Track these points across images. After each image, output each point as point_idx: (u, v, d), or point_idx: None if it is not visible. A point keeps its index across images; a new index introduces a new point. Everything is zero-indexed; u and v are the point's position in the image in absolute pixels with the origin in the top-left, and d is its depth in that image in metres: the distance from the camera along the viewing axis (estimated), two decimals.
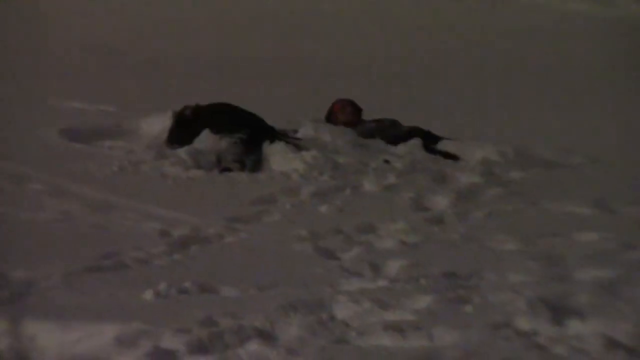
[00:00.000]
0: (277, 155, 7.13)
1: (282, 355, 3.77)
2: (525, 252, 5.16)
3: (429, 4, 17.35)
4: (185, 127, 7.48)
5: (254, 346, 3.84)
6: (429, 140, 7.89)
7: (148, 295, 4.39)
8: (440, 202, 6.28)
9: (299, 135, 7.86)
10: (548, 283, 4.57)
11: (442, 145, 7.91)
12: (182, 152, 7.14)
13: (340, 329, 4.02)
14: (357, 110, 8.59)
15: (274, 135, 7.48)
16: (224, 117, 7.50)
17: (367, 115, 8.56)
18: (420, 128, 8.22)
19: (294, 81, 11.93)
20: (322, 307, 4.23)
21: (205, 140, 7.24)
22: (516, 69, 13.83)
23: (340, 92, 8.74)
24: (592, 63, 14.40)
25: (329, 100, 8.55)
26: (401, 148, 7.68)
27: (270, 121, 7.73)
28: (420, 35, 15.36)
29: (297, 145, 7.35)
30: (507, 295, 4.36)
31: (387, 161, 7.32)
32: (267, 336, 3.94)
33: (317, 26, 15.29)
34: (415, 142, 7.73)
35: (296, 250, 5.20)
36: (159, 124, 7.73)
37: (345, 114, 8.47)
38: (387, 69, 13.37)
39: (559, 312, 4.13)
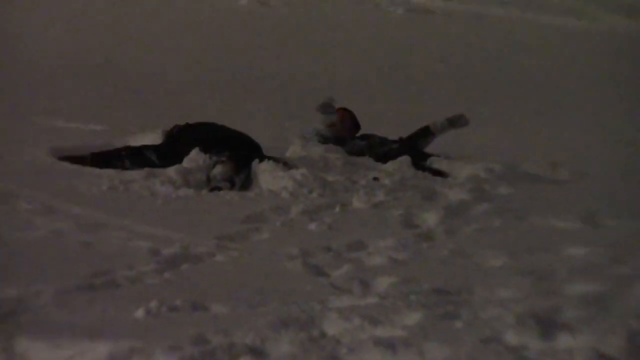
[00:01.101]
0: (266, 173, 7.13)
1: None
2: (514, 268, 5.17)
3: (417, 21, 17.40)
4: (176, 146, 7.50)
5: None
6: (418, 158, 7.93)
7: (139, 313, 4.39)
8: (430, 218, 6.29)
9: (288, 153, 7.89)
10: (537, 298, 4.59)
11: (430, 162, 7.95)
12: (172, 170, 7.15)
13: (331, 345, 4.03)
14: (355, 126, 8.60)
15: (262, 153, 7.49)
16: (213, 136, 7.52)
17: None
18: (408, 143, 8.26)
19: (283, 99, 11.96)
20: (313, 324, 4.23)
21: (195, 159, 7.25)
22: (503, 85, 13.86)
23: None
24: (578, 78, 14.43)
25: (315, 118, 8.54)
26: (390, 165, 7.70)
27: (257, 139, 7.75)
28: (408, 51, 15.38)
29: (286, 163, 7.35)
30: (496, 311, 4.38)
31: (376, 178, 7.34)
32: (258, 353, 3.95)
33: (307, 44, 15.32)
34: (404, 160, 7.75)
35: (286, 268, 5.21)
36: (149, 143, 7.74)
37: (343, 126, 8.48)
38: (377, 86, 13.40)
39: (548, 326, 4.14)
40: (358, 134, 8.57)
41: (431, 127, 8.31)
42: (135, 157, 7.52)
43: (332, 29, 16.40)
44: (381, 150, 8.13)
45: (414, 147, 8.22)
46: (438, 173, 7.70)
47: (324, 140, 8.28)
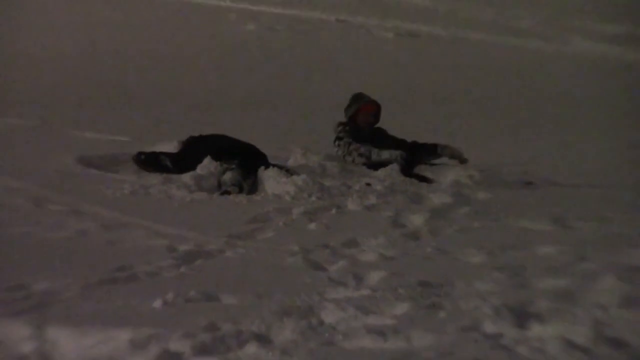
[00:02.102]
0: (270, 179, 7.13)
1: (276, 356, 3.77)
2: (491, 264, 5.16)
3: (405, 44, 17.41)
4: (189, 155, 7.50)
5: (251, 349, 3.85)
6: (408, 165, 7.88)
7: (157, 303, 4.38)
8: (416, 219, 6.27)
9: (290, 162, 7.88)
10: (511, 291, 4.58)
11: (417, 170, 7.93)
12: (186, 176, 7.16)
13: (328, 332, 4.02)
14: (376, 121, 8.38)
15: (267, 161, 7.49)
16: (223, 146, 7.52)
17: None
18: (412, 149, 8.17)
19: (286, 113, 11.95)
20: (312, 313, 4.23)
21: (207, 166, 7.25)
22: (480, 100, 13.85)
23: (324, 123, 8.69)
24: (546, 96, 14.43)
25: (315, 131, 8.52)
26: (381, 172, 7.70)
27: (263, 149, 7.74)
28: (397, 70, 15.37)
29: (288, 170, 7.36)
30: (475, 302, 4.37)
31: (368, 184, 7.33)
32: (263, 339, 3.94)
33: (307, 64, 15.33)
34: (393, 167, 7.74)
35: (288, 263, 5.20)
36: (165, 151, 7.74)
37: (366, 119, 8.27)
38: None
39: (521, 316, 4.14)
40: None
41: (438, 149, 8.14)
42: (150, 161, 7.53)
43: (329, 51, 16.41)
44: (375, 161, 8.05)
45: (414, 155, 8.10)
46: (424, 179, 7.69)
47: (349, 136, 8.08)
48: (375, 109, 8.35)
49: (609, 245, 5.50)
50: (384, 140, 8.24)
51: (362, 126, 8.25)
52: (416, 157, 8.11)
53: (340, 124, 8.35)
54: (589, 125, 12.37)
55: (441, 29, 18.45)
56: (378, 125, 8.42)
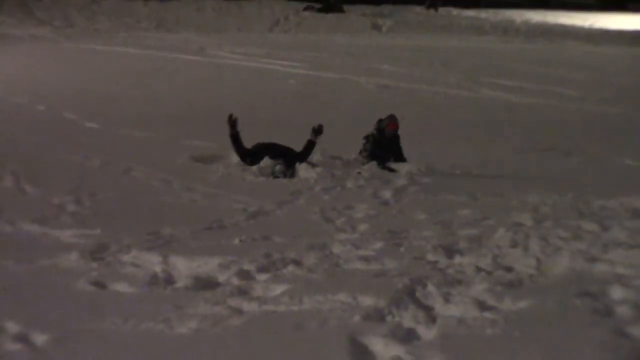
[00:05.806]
0: (302, 169, 7.17)
1: (305, 272, 3.80)
2: (431, 220, 5.17)
3: (382, 92, 17.28)
4: (256, 154, 7.54)
5: (291, 268, 3.88)
6: (382, 162, 7.80)
7: (236, 241, 4.42)
8: (386, 194, 6.29)
9: (313, 159, 7.85)
10: (443, 236, 4.58)
11: (387, 164, 7.89)
12: (254, 167, 7.23)
13: (336, 259, 4.05)
14: (395, 132, 7.88)
15: (301, 159, 7.52)
16: (275, 150, 7.57)
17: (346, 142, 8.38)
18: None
19: (309, 132, 11.90)
20: (326, 248, 4.26)
21: (266, 161, 7.32)
22: (427, 126, 13.73)
23: (333, 137, 8.54)
24: (465, 124, 14.26)
25: (327, 142, 8.40)
26: (366, 166, 7.68)
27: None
28: (374, 110, 15.29)
29: (312, 164, 7.39)
30: (421, 242, 4.38)
31: (359, 172, 7.33)
32: (298, 262, 3.97)
33: (319, 103, 15.26)
34: (373, 163, 7.71)
35: (313, 219, 5.23)
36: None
37: (389, 131, 7.77)
38: (355, 127, 13.36)
39: (449, 251, 4.15)
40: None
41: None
42: (242, 158, 7.47)
43: (337, 95, 16.34)
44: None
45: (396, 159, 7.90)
46: (391, 170, 7.65)
47: (374, 140, 7.62)
48: (395, 127, 7.89)
49: (502, 210, 5.49)
50: (393, 145, 7.85)
51: (386, 134, 7.95)
52: (397, 160, 7.94)
53: (380, 120, 7.88)
54: (491, 138, 12.28)
55: (403, 83, 18.35)
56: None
